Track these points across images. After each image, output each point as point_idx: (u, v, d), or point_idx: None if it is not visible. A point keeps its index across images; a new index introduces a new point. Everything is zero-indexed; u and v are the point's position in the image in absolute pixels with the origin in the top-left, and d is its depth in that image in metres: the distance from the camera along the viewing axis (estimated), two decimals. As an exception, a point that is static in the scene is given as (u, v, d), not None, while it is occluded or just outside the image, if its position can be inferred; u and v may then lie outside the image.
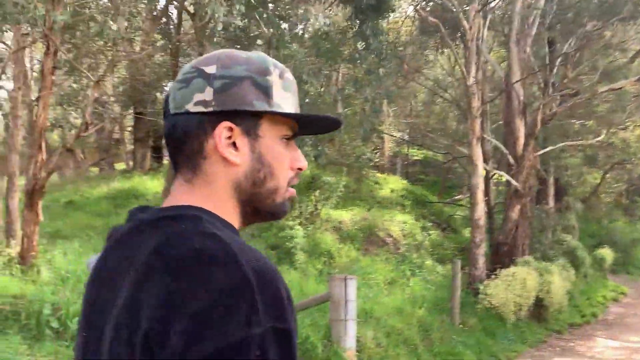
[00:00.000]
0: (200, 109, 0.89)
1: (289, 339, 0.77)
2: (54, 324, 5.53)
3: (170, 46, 13.12)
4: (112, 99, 16.40)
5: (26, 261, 6.31)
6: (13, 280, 5.97)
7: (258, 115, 0.91)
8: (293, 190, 0.97)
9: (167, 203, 0.91)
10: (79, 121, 20.10)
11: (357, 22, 8.90)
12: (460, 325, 8.66)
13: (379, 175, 16.50)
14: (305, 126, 0.98)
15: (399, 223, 12.46)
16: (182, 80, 0.92)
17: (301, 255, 9.03)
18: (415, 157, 22.97)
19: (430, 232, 13.17)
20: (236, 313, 0.73)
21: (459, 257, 11.68)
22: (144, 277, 0.78)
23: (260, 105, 0.90)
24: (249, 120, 0.90)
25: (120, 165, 19.69)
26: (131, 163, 17.16)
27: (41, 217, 6.41)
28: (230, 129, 0.89)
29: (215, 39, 9.91)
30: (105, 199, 11.53)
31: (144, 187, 12.80)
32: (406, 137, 21.27)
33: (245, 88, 0.89)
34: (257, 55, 0.94)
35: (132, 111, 17.10)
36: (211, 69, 0.90)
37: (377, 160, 16.92)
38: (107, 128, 18.39)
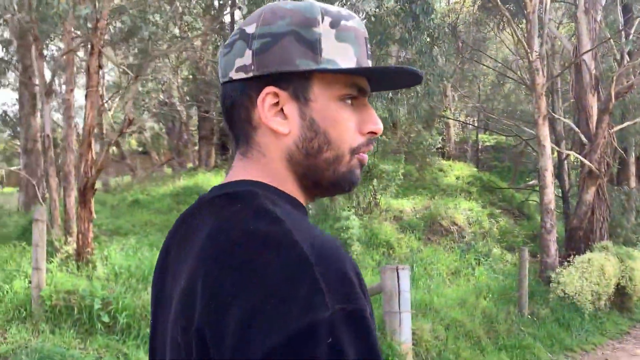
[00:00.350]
0: (242, 75, 0.79)
1: (364, 321, 0.65)
2: (105, 319, 5.64)
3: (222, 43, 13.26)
4: (178, 101, 16.83)
5: (82, 257, 6.47)
6: (68, 276, 6.14)
7: (306, 76, 0.78)
8: (364, 156, 0.84)
9: (227, 179, 0.84)
10: (149, 123, 20.85)
11: (407, 1, 8.53)
12: (530, 316, 8.12)
13: (444, 162, 15.92)
14: (376, 81, 0.84)
15: (464, 211, 11.91)
16: (227, 45, 0.83)
17: (357, 247, 8.79)
18: (487, 143, 22.05)
19: (499, 219, 12.52)
20: (295, 298, 0.63)
21: (530, 245, 11.04)
22: (198, 265, 0.71)
23: (304, 64, 0.77)
24: (296, 82, 0.78)
25: (190, 164, 20.23)
26: (197, 161, 17.55)
27: (94, 214, 6.55)
28: (276, 95, 0.79)
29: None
30: (168, 196, 11.79)
31: (207, 184, 12.99)
32: (475, 122, 20.48)
33: (286, 45, 0.77)
34: (305, 4, 0.81)
35: (195, 110, 17.51)
36: (251, 28, 0.79)
37: (441, 146, 16.34)
38: (176, 128, 18.95)
